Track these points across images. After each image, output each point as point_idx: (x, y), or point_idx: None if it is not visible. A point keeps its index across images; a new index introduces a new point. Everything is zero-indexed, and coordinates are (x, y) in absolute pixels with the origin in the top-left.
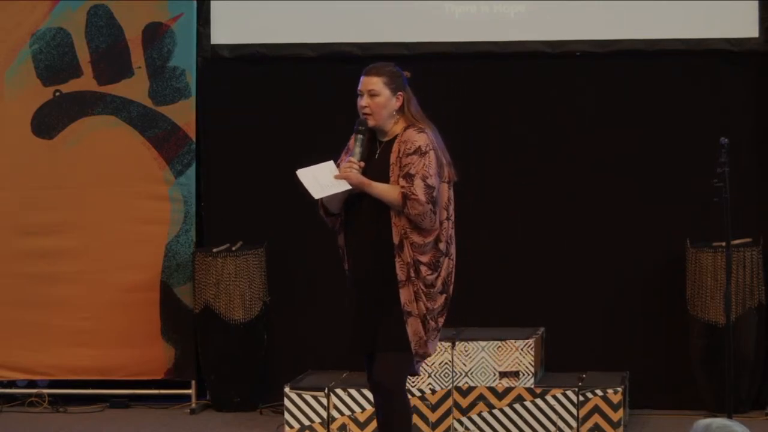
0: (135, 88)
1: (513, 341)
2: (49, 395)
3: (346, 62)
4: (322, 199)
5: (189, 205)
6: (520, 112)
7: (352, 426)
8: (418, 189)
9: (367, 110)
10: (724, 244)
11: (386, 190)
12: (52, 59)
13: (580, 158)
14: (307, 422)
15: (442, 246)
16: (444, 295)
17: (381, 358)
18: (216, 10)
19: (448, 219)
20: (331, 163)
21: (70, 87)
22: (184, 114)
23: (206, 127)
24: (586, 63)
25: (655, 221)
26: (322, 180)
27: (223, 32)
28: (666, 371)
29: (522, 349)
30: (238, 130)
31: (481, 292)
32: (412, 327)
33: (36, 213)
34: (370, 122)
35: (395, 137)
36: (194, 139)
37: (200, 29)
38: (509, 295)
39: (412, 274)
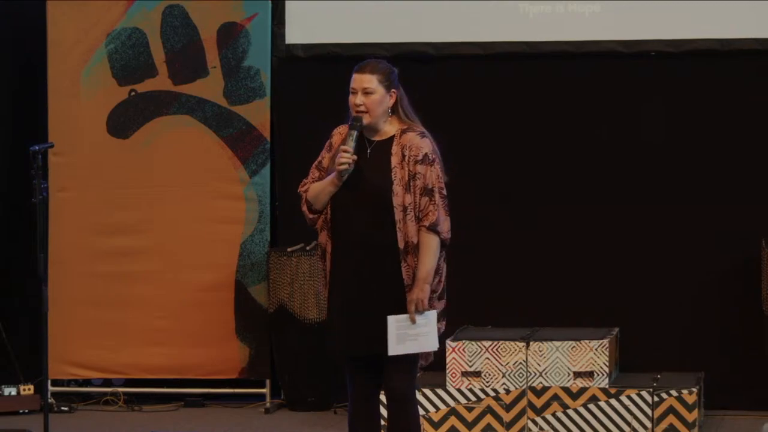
0: (210, 87)
1: (588, 341)
2: (125, 394)
3: (420, 62)
4: (308, 195)
5: (263, 205)
6: (594, 110)
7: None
8: (440, 206)
9: (362, 108)
10: None
11: (431, 258)
12: (128, 59)
13: (654, 157)
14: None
15: (443, 251)
16: (443, 300)
17: (394, 363)
18: (291, 9)
19: None
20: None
21: (145, 87)
22: (258, 114)
23: (281, 126)
24: (661, 62)
25: (731, 221)
26: (399, 331)
27: (298, 32)
28: (741, 372)
29: (596, 350)
30: (312, 130)
31: (555, 293)
32: None
33: (111, 213)
34: (365, 120)
35: (390, 138)
36: (269, 139)
37: (275, 29)
38: (584, 296)
39: None
